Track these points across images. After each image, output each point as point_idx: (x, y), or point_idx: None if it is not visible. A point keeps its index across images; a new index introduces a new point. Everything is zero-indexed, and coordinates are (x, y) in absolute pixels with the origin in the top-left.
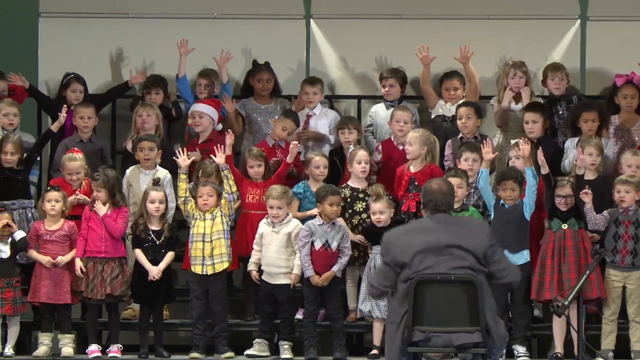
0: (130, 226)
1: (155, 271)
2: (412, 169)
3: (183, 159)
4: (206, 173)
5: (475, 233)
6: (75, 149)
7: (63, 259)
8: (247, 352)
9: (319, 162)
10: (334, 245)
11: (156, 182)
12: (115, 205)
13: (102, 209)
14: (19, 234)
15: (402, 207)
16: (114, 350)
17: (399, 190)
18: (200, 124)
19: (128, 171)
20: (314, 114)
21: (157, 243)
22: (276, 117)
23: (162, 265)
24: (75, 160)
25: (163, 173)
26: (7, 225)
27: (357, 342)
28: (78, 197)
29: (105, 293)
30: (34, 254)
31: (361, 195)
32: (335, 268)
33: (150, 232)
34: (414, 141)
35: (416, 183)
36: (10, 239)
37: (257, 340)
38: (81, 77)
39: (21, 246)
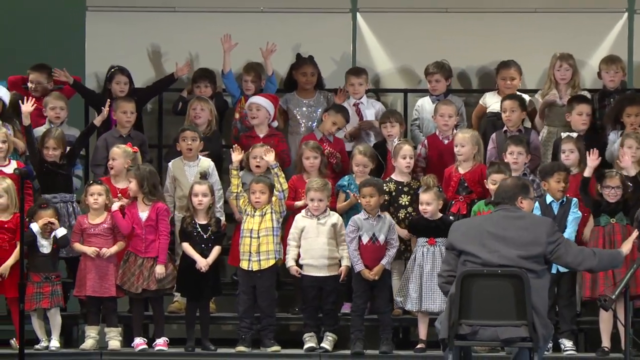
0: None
1: (204, 263)
2: (461, 170)
3: (236, 154)
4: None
5: (533, 229)
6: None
7: (108, 250)
8: (306, 346)
9: (359, 161)
10: (381, 238)
11: (203, 176)
12: (149, 200)
13: (115, 205)
14: (61, 232)
15: (452, 209)
16: (160, 343)
17: (448, 191)
18: (257, 116)
19: (171, 164)
20: (362, 102)
21: (204, 237)
22: (326, 112)
23: (210, 259)
24: (117, 148)
25: (207, 163)
26: (50, 222)
27: (404, 336)
28: (121, 202)
29: (143, 287)
30: (78, 246)
31: (406, 189)
32: (384, 261)
33: (197, 226)
34: (466, 142)
35: (466, 184)
36: (52, 236)
37: (307, 335)
38: (125, 69)
39: (62, 243)
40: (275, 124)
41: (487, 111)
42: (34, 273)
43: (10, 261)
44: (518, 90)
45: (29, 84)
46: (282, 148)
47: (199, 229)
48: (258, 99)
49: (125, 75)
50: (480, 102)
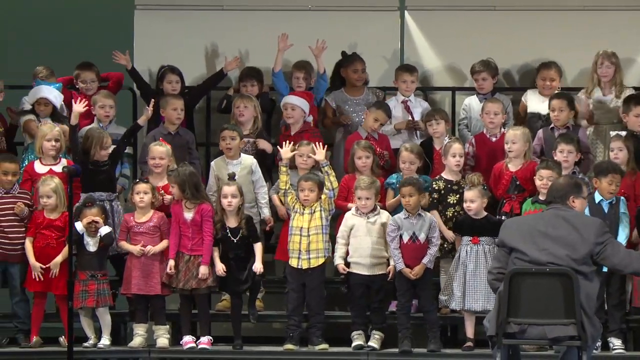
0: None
1: (219, 268)
2: (512, 168)
3: (285, 151)
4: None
5: (583, 229)
6: (163, 139)
7: (152, 248)
8: (354, 344)
9: (405, 158)
10: (421, 236)
11: (231, 177)
12: (192, 203)
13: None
14: (105, 230)
15: (504, 208)
16: (204, 341)
17: (498, 189)
18: (292, 116)
19: (213, 163)
20: (410, 100)
21: (234, 242)
22: (368, 109)
23: (258, 264)
24: (160, 146)
25: (249, 161)
26: (94, 221)
27: (452, 334)
28: (164, 197)
29: (192, 287)
30: (124, 244)
31: (455, 188)
32: (425, 260)
33: (227, 230)
34: (517, 139)
35: (518, 183)
36: (98, 234)
37: (355, 333)
38: (176, 68)
39: (106, 241)
40: (310, 118)
41: (528, 111)
42: (81, 271)
43: (59, 258)
44: (563, 89)
45: (81, 84)
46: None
47: (229, 234)
48: (292, 99)
49: (176, 74)
50: (522, 99)
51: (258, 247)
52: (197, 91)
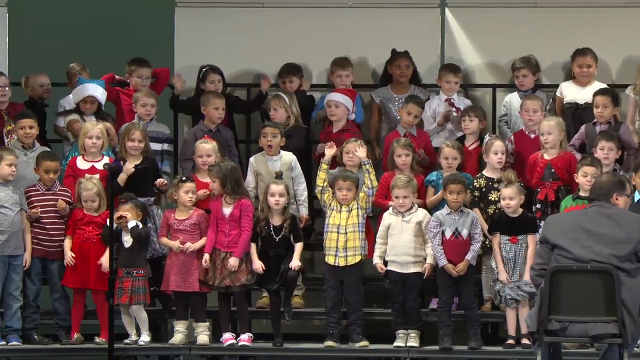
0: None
1: (257, 265)
2: (547, 157)
3: (330, 150)
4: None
5: (627, 226)
6: (208, 136)
7: (191, 245)
8: (395, 344)
9: (447, 154)
10: (464, 232)
11: (278, 176)
12: (232, 198)
13: (129, 216)
14: (131, 223)
15: (539, 196)
16: (244, 339)
17: (533, 177)
18: (335, 114)
19: (253, 159)
20: (453, 98)
21: (276, 240)
22: (399, 108)
23: (296, 261)
24: (207, 143)
25: (289, 157)
26: (122, 216)
27: (493, 332)
28: (206, 191)
29: (227, 284)
30: (164, 240)
31: (496, 185)
32: (468, 256)
33: (271, 228)
34: (552, 129)
35: (553, 170)
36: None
37: (400, 332)
38: (217, 67)
39: (134, 235)
40: (352, 116)
41: (565, 102)
42: (119, 268)
43: (106, 255)
44: (605, 84)
45: (136, 79)
46: None
47: (272, 232)
48: (336, 96)
49: (218, 73)
50: (557, 93)
51: (298, 247)
52: (235, 104)
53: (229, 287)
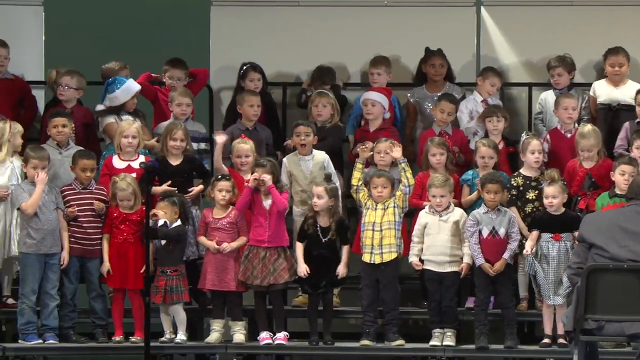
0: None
1: (302, 270)
2: (586, 165)
3: (364, 151)
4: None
5: None
6: (244, 135)
7: (228, 245)
8: (431, 343)
9: (484, 153)
10: (501, 231)
11: (328, 178)
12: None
13: (268, 178)
14: (160, 222)
15: (579, 205)
16: (281, 337)
17: (572, 186)
18: (371, 112)
19: (286, 159)
20: (490, 102)
21: (322, 241)
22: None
23: (342, 266)
24: (245, 144)
25: (322, 156)
26: (154, 214)
27: (529, 331)
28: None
29: (269, 283)
30: (202, 239)
31: (533, 184)
32: (506, 255)
33: (318, 228)
34: (590, 135)
35: (593, 180)
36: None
37: (436, 331)
38: (258, 66)
39: (159, 234)
40: (387, 115)
41: (597, 102)
42: (158, 266)
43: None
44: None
45: (168, 80)
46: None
47: (319, 232)
48: (372, 95)
49: (258, 71)
50: (591, 93)
51: (345, 250)
52: (269, 112)
53: (271, 286)
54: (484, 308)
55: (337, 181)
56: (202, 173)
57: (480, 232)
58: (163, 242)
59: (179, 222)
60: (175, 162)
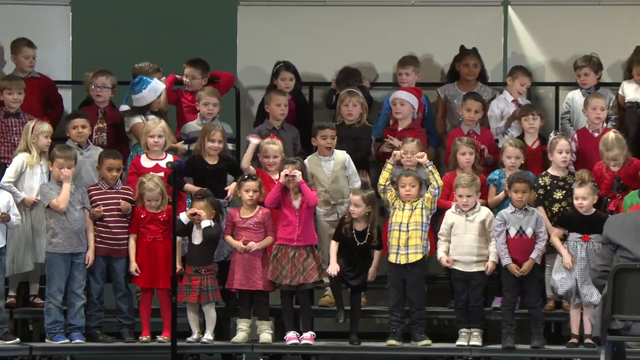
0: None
1: (333, 269)
2: (613, 168)
3: (391, 147)
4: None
5: None
6: (273, 135)
7: (254, 245)
8: (458, 342)
9: (511, 153)
10: (528, 231)
11: (365, 186)
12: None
13: (298, 174)
14: (205, 223)
15: (609, 207)
16: (307, 337)
17: (601, 188)
18: (400, 112)
19: (307, 161)
20: (520, 103)
21: (357, 245)
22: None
23: (373, 269)
24: (274, 144)
25: (342, 156)
26: (196, 213)
27: (556, 331)
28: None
29: (298, 282)
30: (229, 239)
31: (561, 184)
32: (533, 255)
33: (354, 233)
34: (613, 146)
35: (621, 182)
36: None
37: (462, 330)
38: (291, 65)
39: (205, 235)
40: (417, 115)
41: (626, 100)
42: (188, 266)
43: (179, 254)
44: None
45: (184, 78)
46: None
47: (355, 236)
48: (402, 94)
49: (291, 71)
50: (620, 92)
51: (377, 254)
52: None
53: (300, 286)
54: (511, 308)
55: (357, 180)
56: (237, 172)
57: (507, 231)
58: (198, 241)
59: (209, 221)
60: (211, 162)
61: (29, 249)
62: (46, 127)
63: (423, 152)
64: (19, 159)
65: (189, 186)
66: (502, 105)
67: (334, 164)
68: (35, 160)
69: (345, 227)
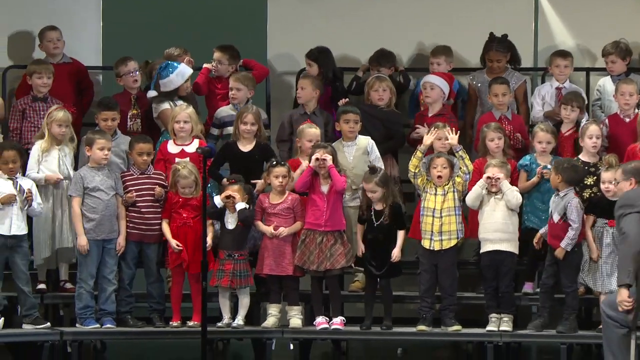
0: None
1: (360, 249)
2: None
3: (427, 138)
4: None
5: None
6: (309, 120)
7: (284, 230)
8: (488, 328)
9: (541, 138)
10: (555, 217)
11: (372, 170)
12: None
13: (329, 158)
14: (240, 205)
15: None
16: (337, 322)
17: None
18: (430, 96)
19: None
20: (564, 87)
21: (375, 225)
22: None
23: (397, 250)
24: (316, 129)
25: (365, 142)
26: (230, 196)
27: (586, 316)
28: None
29: (326, 268)
30: (258, 224)
31: (592, 169)
32: (563, 244)
33: (372, 213)
34: None
35: None
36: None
37: (492, 316)
38: (313, 51)
39: (241, 217)
40: (450, 101)
41: None
42: (220, 250)
43: (210, 238)
44: None
45: (212, 63)
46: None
47: (373, 216)
48: (432, 78)
49: (312, 58)
50: None
51: (400, 235)
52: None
53: (327, 271)
54: (546, 290)
55: (382, 166)
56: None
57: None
58: (232, 225)
59: (244, 203)
60: (245, 147)
61: (49, 237)
62: (61, 114)
63: (455, 135)
64: (35, 148)
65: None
66: (544, 91)
67: (355, 149)
68: (49, 145)
69: (362, 208)
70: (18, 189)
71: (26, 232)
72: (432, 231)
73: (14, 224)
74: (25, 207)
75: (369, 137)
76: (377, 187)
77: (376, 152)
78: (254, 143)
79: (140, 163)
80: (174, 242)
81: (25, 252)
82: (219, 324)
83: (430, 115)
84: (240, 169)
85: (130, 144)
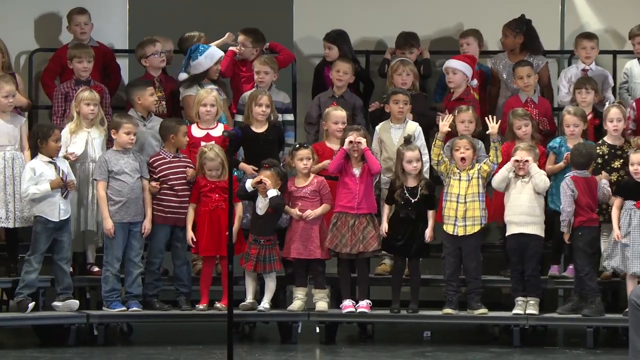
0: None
1: (382, 227)
2: None
3: (443, 124)
4: None
5: None
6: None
7: (311, 213)
8: (514, 311)
9: (569, 121)
10: None
11: (407, 141)
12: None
13: (363, 141)
14: (271, 192)
15: None
16: (363, 305)
17: None
18: (453, 81)
19: (378, 127)
20: (591, 69)
21: (412, 202)
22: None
23: (429, 230)
24: (341, 111)
25: (413, 126)
26: (262, 181)
27: (613, 299)
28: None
29: (358, 250)
30: (286, 207)
31: (619, 152)
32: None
33: (406, 190)
34: None
35: None
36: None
37: (518, 299)
38: (331, 34)
39: (272, 204)
40: (474, 82)
41: None
42: (251, 233)
43: (237, 224)
44: None
45: (237, 47)
46: None
47: (407, 194)
48: (453, 62)
49: (330, 41)
50: None
51: (431, 214)
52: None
53: (360, 254)
54: (582, 275)
55: (425, 153)
56: (281, 144)
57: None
58: (262, 211)
59: (276, 190)
60: (259, 129)
61: (74, 220)
62: (87, 93)
63: (495, 125)
64: (65, 130)
65: (244, 165)
66: (570, 74)
67: (402, 133)
68: (77, 128)
69: (397, 192)
70: (60, 173)
71: (70, 213)
72: (455, 216)
73: (62, 210)
74: (65, 193)
75: (417, 123)
76: (420, 157)
77: (422, 139)
78: (267, 124)
79: (183, 143)
80: (189, 236)
81: (70, 232)
82: (243, 304)
83: (452, 99)
84: (256, 151)
85: (172, 128)
